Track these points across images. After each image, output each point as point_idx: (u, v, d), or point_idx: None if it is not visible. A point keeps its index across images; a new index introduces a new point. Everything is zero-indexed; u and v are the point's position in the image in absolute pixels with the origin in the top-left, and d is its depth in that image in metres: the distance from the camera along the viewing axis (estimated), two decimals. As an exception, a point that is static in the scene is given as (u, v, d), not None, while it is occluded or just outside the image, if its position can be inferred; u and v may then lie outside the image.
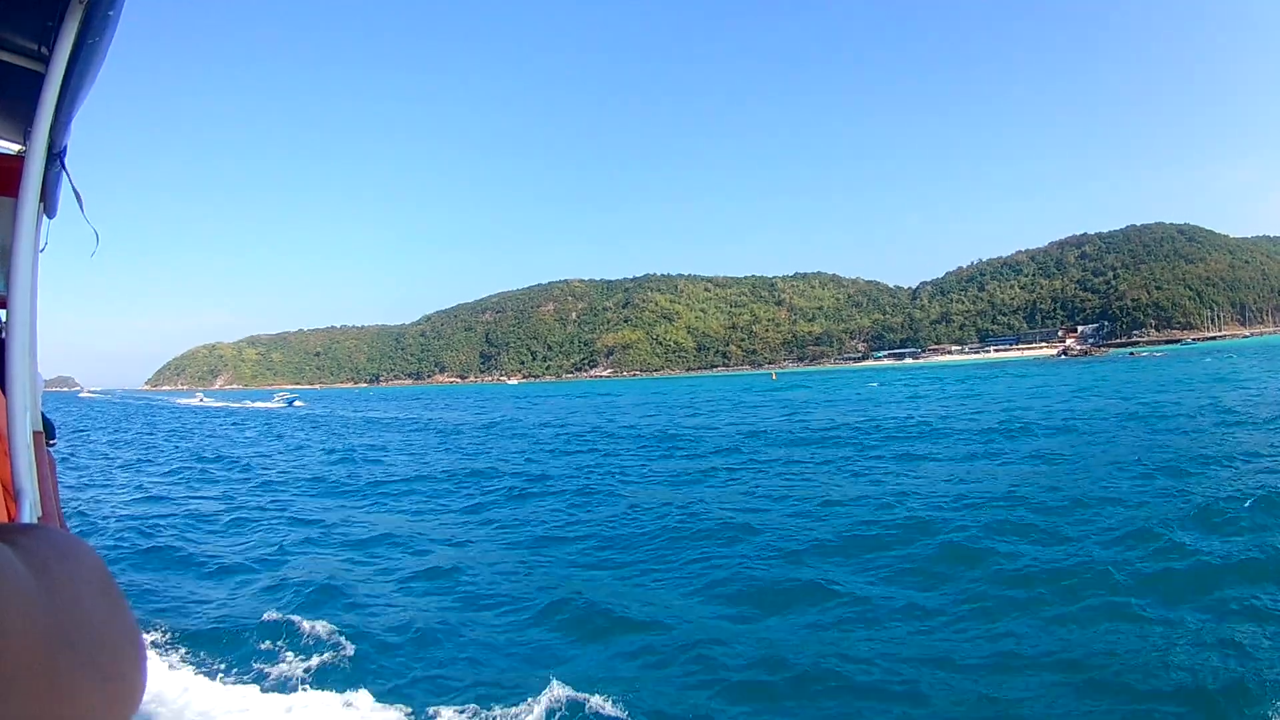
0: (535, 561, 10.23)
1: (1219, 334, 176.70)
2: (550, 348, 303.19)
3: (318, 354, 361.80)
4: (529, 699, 5.86)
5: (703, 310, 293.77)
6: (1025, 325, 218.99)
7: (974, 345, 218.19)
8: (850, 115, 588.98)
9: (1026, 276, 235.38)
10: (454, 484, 17.98)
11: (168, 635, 7.42)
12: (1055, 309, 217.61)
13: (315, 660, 6.83)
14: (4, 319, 2.86)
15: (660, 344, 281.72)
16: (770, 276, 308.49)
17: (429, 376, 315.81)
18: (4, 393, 2.13)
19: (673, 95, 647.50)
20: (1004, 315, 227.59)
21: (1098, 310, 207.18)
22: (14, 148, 3.01)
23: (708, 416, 39.58)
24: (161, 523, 13.23)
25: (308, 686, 6.36)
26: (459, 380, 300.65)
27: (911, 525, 10.77)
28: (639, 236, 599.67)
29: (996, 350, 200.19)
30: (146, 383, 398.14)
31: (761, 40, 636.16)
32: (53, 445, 3.37)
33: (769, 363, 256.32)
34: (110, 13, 1.91)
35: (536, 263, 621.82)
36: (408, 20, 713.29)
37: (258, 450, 29.22)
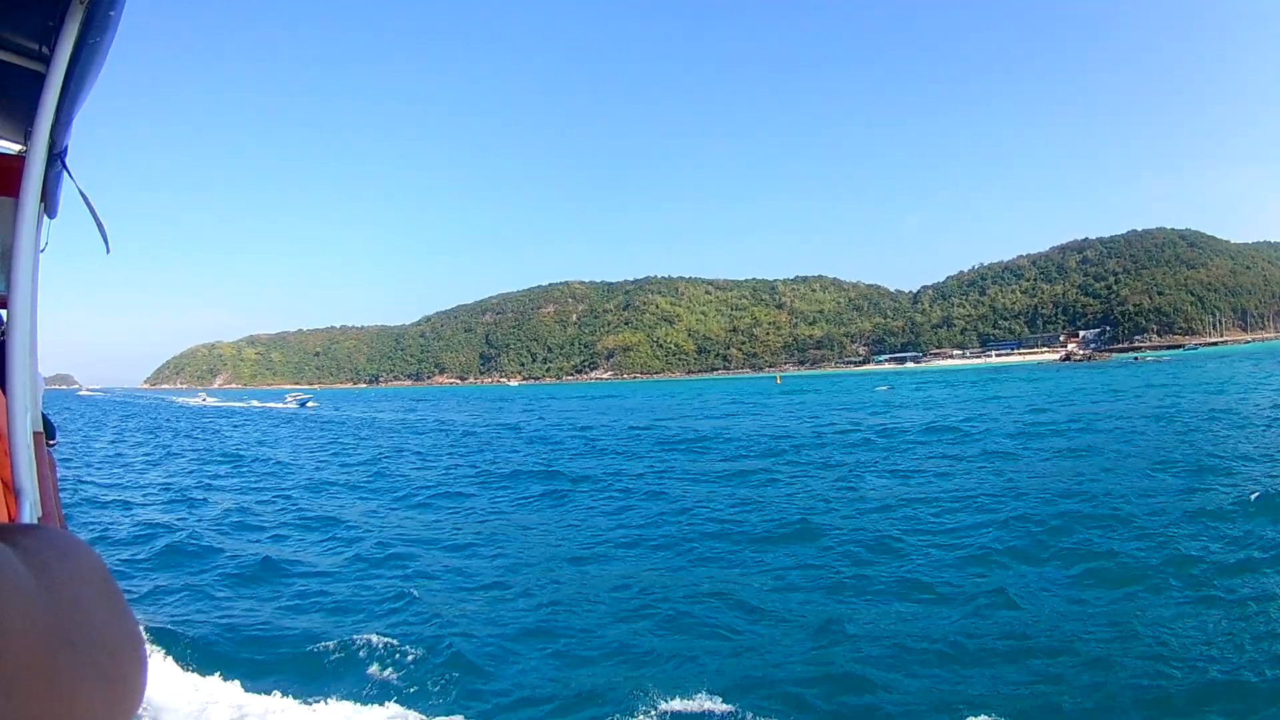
0: (638, 562, 10.07)
1: (1221, 339, 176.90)
2: (550, 349, 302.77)
3: (317, 354, 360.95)
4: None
5: (703, 313, 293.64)
6: (1026, 330, 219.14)
7: (975, 350, 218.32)
8: (851, 118, 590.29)
9: (1028, 281, 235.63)
10: (515, 483, 17.92)
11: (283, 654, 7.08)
12: (1056, 313, 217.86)
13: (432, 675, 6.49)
14: (4, 319, 2.83)
15: (661, 346, 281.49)
16: (771, 279, 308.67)
17: (428, 378, 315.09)
18: (4, 393, 2.12)
19: (674, 97, 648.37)
20: (1005, 320, 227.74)
21: (1099, 315, 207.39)
22: (14, 148, 2.99)
23: (729, 419, 39.21)
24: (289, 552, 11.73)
25: (432, 699, 6.06)
26: (459, 381, 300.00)
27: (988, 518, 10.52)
28: (639, 238, 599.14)
29: (998, 355, 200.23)
30: (145, 381, 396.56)
31: (763, 42, 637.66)
32: (53, 445, 3.38)
33: (769, 366, 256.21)
34: (111, 12, 1.91)
35: (537, 264, 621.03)
36: (409, 20, 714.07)
37: (317, 457, 27.09)
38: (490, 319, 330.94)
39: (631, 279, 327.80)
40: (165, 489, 17.98)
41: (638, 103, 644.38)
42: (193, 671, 6.44)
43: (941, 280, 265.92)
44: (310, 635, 7.40)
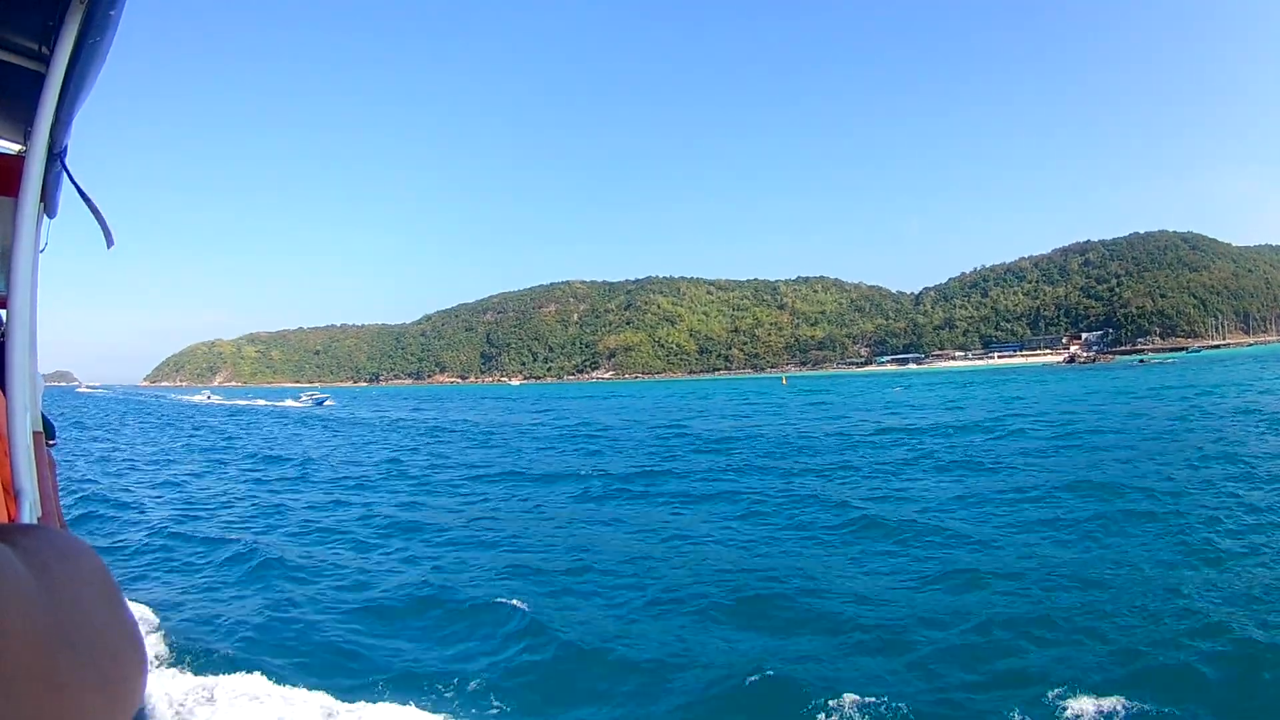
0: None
1: (1223, 342, 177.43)
2: (552, 349, 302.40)
3: (317, 352, 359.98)
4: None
5: (705, 313, 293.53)
6: (1029, 331, 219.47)
7: (977, 351, 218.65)
8: (852, 119, 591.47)
9: (1030, 283, 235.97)
10: (580, 482, 17.75)
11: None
12: (1059, 315, 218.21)
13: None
14: (4, 319, 2.80)
15: (662, 346, 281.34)
16: (772, 280, 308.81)
17: (429, 376, 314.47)
18: (4, 393, 2.12)
19: (675, 96, 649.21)
20: (1007, 321, 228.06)
21: (1101, 317, 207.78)
22: (14, 148, 2.98)
23: (762, 419, 38.93)
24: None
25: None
26: (459, 381, 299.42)
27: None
28: (641, 238, 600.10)
29: (1000, 356, 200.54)
30: (145, 379, 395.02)
31: (765, 42, 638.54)
32: (53, 445, 3.37)
33: (771, 366, 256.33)
34: (111, 12, 1.91)
35: (538, 263, 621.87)
36: (410, 20, 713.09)
37: (376, 459, 25.12)
38: (491, 318, 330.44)
39: (633, 279, 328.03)
40: (243, 499, 16.61)
41: (639, 103, 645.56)
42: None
43: (943, 282, 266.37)
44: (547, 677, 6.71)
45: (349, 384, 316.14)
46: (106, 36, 2.00)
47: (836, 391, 76.95)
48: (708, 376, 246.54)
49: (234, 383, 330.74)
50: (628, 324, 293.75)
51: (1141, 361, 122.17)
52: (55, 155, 2.47)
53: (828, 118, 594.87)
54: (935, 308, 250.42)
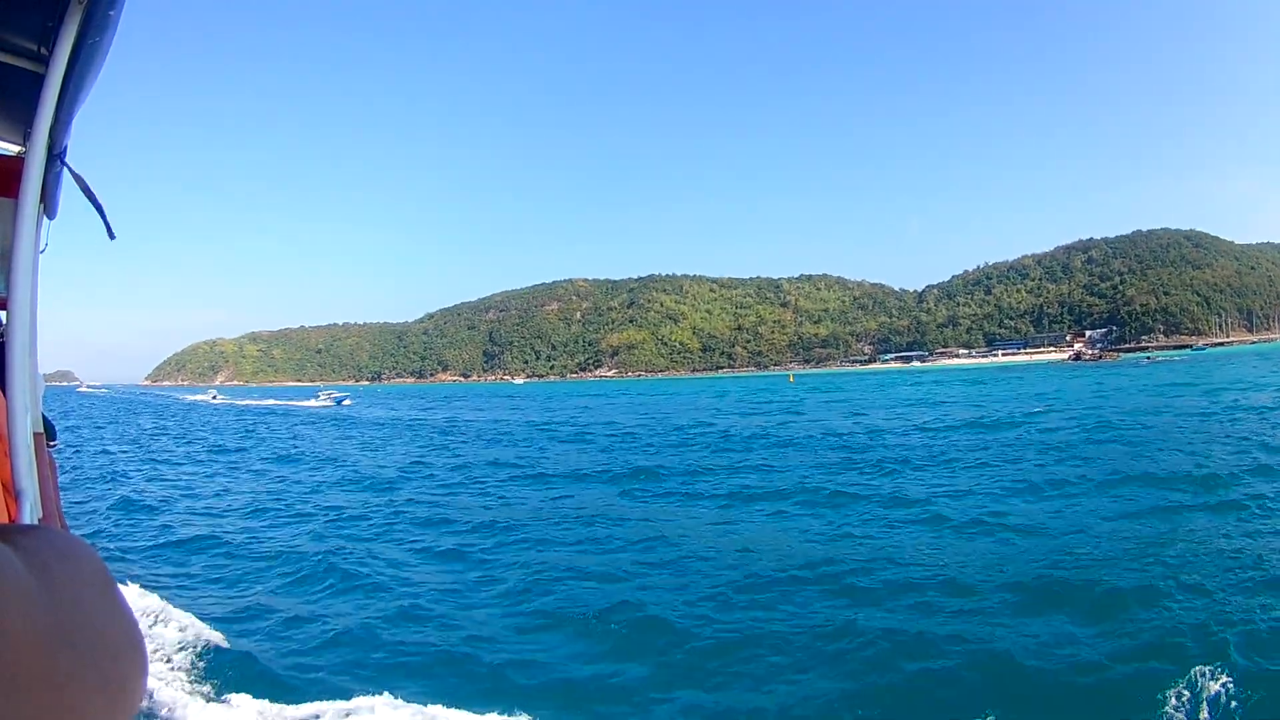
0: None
1: (1227, 340, 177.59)
2: (554, 347, 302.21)
3: (319, 351, 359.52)
4: None
5: (708, 311, 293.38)
6: (1032, 329, 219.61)
7: (981, 349, 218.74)
8: (854, 117, 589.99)
9: (1033, 281, 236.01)
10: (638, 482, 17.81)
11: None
12: (1062, 313, 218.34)
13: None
14: (4, 320, 2.80)
15: (665, 345, 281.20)
16: (775, 278, 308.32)
17: (431, 375, 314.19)
18: (4, 393, 2.12)
19: (677, 95, 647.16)
20: (1011, 319, 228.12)
21: (1105, 315, 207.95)
22: (14, 148, 2.98)
23: (781, 416, 39.02)
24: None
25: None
26: (462, 379, 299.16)
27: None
28: (643, 236, 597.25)
29: (1004, 354, 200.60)
30: (146, 378, 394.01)
31: (766, 43, 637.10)
32: (53, 446, 3.38)
33: (774, 364, 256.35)
34: (110, 13, 1.91)
35: (540, 261, 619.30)
36: (412, 19, 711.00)
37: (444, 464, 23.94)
38: (494, 316, 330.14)
39: (635, 276, 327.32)
40: (343, 507, 15.70)
41: (641, 101, 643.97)
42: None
43: (946, 280, 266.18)
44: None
45: (351, 382, 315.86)
46: (106, 37, 1.99)
47: (848, 389, 76.99)
48: (711, 375, 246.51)
49: (236, 382, 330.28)
50: (630, 322, 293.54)
51: (1149, 359, 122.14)
52: (55, 156, 2.47)
53: (828, 118, 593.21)
54: (938, 305, 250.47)
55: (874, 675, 6.35)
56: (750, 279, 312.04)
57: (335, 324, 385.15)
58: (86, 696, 0.40)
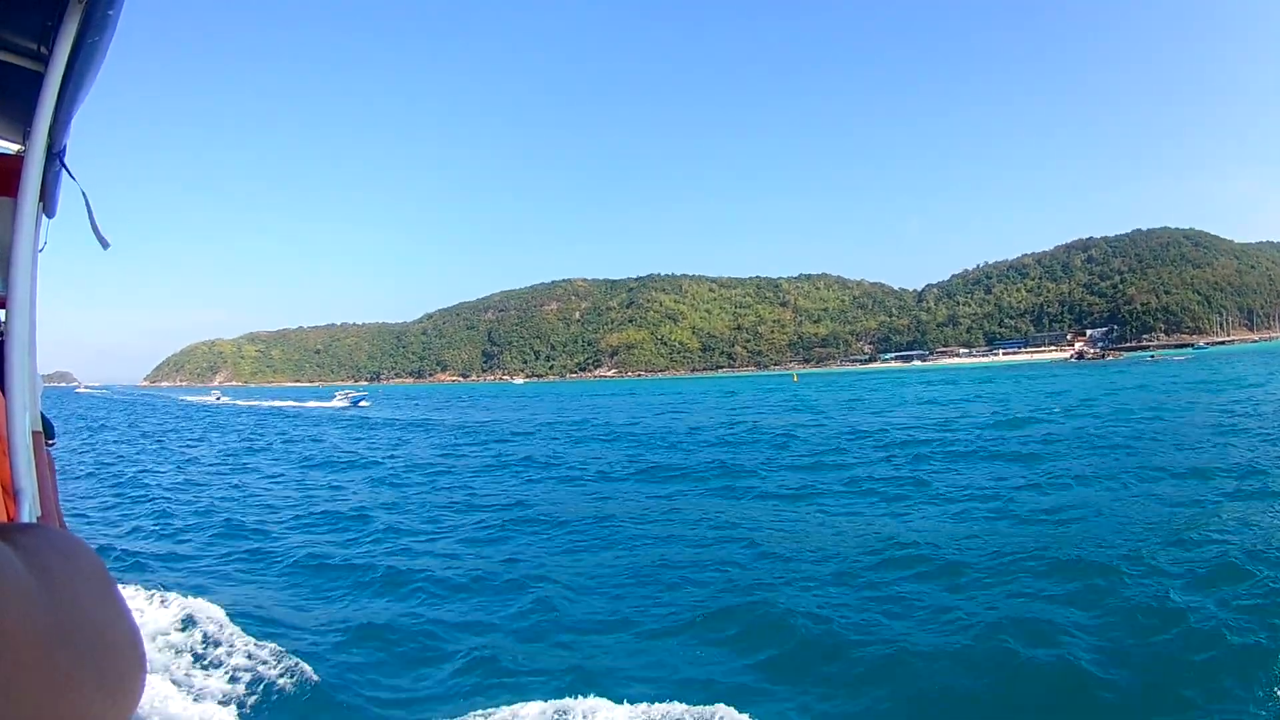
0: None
1: (1228, 339, 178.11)
2: (554, 347, 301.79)
3: (318, 351, 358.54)
4: None
5: (707, 311, 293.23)
6: (1033, 328, 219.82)
7: (982, 348, 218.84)
8: (854, 116, 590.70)
9: (1033, 280, 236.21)
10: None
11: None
12: (1062, 312, 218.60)
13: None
14: (3, 319, 2.80)
15: (665, 344, 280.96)
16: (775, 277, 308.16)
17: (430, 375, 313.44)
18: (3, 393, 2.13)
19: (677, 95, 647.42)
20: (1011, 318, 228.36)
21: (1105, 314, 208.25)
22: (13, 148, 2.99)
23: (801, 415, 38.54)
24: None
25: None
26: (461, 379, 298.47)
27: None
28: (643, 236, 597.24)
29: (1005, 353, 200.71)
30: (145, 378, 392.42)
31: (766, 43, 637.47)
32: (52, 445, 3.38)
33: (774, 364, 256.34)
34: (110, 12, 1.91)
35: (540, 261, 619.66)
36: (410, 20, 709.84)
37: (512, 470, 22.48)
38: (493, 316, 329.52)
39: (635, 276, 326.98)
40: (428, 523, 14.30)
41: (641, 101, 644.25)
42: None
43: (946, 279, 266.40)
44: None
45: (349, 383, 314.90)
46: (105, 36, 1.99)
47: (855, 388, 76.66)
48: (711, 374, 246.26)
49: (234, 382, 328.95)
50: (630, 322, 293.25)
51: (1152, 358, 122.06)
52: (54, 155, 2.47)
53: (827, 118, 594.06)
54: (938, 304, 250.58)
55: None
56: (750, 279, 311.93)
57: (334, 324, 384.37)
58: (86, 695, 0.40)
